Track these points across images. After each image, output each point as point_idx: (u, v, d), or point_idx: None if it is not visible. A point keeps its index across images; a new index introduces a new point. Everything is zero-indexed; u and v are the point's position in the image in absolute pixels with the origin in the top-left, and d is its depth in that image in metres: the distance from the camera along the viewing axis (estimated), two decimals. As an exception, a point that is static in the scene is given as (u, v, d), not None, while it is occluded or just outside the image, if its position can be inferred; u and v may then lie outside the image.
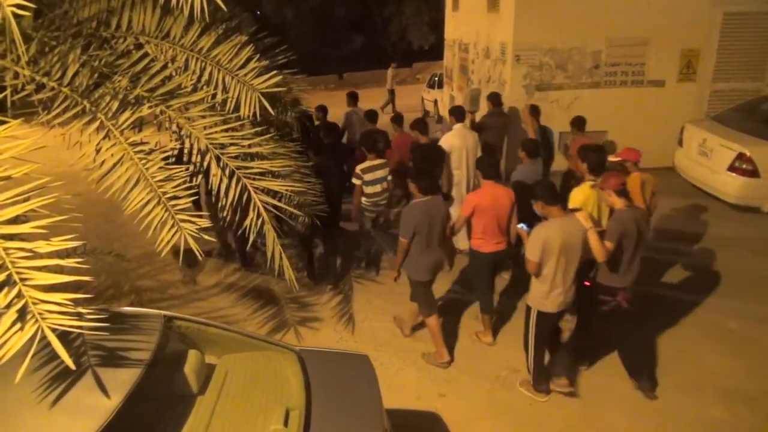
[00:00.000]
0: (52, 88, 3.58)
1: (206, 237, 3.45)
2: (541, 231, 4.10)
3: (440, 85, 15.74)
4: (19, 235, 2.41)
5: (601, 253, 4.07)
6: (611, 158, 5.16)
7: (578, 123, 6.93)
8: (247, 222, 3.89)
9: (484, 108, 8.44)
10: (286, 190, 4.07)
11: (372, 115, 7.59)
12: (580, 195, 4.75)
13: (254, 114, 3.90)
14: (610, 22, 8.91)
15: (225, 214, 3.85)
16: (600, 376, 4.72)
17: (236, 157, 3.85)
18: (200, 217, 3.43)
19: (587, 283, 4.45)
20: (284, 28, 26.69)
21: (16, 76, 3.52)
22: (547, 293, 4.19)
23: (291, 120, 5.07)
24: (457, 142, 6.54)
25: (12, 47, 3.43)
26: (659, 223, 7.30)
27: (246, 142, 3.89)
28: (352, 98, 8.65)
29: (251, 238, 3.96)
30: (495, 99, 8.02)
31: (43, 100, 3.60)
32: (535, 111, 7.23)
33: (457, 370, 4.91)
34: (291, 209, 4.15)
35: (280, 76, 4.15)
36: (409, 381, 4.79)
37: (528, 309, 4.36)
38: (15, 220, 2.43)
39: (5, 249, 2.31)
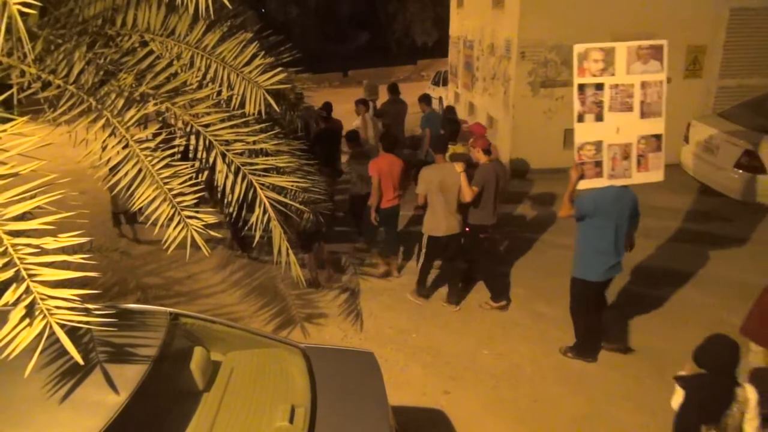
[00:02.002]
0: (58, 86, 3.59)
1: (212, 233, 3.46)
2: (425, 172, 5.52)
3: (445, 82, 15.72)
4: (26, 232, 2.42)
5: (467, 193, 5.35)
6: (464, 127, 7.26)
7: (450, 110, 9.02)
8: (253, 218, 3.90)
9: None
10: (292, 186, 4.08)
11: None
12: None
13: (259, 111, 3.91)
14: (615, 18, 8.85)
15: (231, 210, 3.86)
16: (604, 372, 4.72)
17: (241, 154, 3.85)
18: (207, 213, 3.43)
19: (468, 229, 5.70)
20: (288, 26, 26.74)
21: (22, 74, 3.53)
22: (434, 221, 5.57)
23: (296, 118, 5.08)
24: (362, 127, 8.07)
25: (18, 45, 3.43)
26: (669, 221, 7.28)
27: (251, 139, 3.89)
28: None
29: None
30: (393, 88, 9.45)
31: (49, 97, 3.61)
32: (426, 99, 8.82)
33: (462, 368, 4.91)
34: (297, 205, 4.16)
35: (285, 74, 4.15)
36: (414, 378, 4.79)
37: (422, 235, 5.83)
38: (22, 217, 2.45)
39: (13, 245, 2.32)
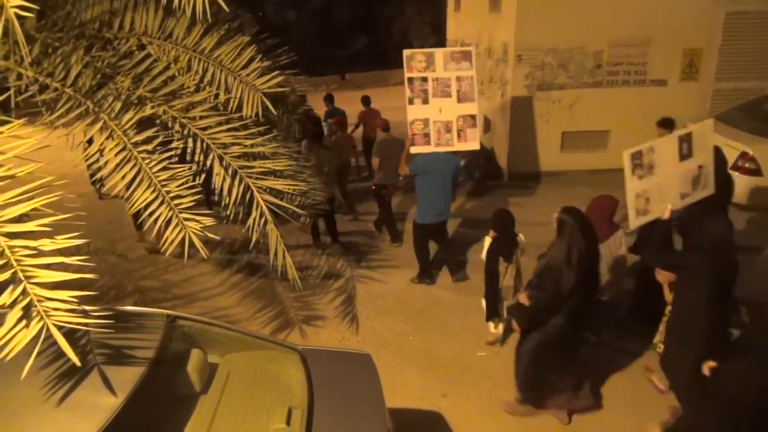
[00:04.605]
0: (56, 89, 3.59)
1: (210, 235, 3.46)
2: (308, 157, 6.61)
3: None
4: (23, 234, 2.42)
5: (375, 163, 7.15)
6: (331, 120, 8.72)
7: (365, 100, 10.12)
8: (250, 221, 3.91)
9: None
10: (289, 190, 4.08)
11: None
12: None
13: (257, 114, 3.92)
14: (611, 21, 8.89)
15: (229, 213, 3.86)
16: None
17: (239, 157, 3.85)
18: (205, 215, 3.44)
19: (374, 187, 7.33)
20: (286, 30, 26.71)
21: (20, 77, 3.54)
22: None
23: (293, 121, 5.09)
24: None
25: (15, 48, 3.44)
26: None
27: (248, 142, 3.90)
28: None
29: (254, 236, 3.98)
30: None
31: (47, 100, 3.61)
32: (329, 98, 10.08)
33: (460, 370, 4.91)
34: (294, 208, 4.16)
35: (283, 77, 4.16)
36: (411, 381, 4.79)
37: None
38: (19, 219, 2.45)
39: (10, 247, 2.32)
